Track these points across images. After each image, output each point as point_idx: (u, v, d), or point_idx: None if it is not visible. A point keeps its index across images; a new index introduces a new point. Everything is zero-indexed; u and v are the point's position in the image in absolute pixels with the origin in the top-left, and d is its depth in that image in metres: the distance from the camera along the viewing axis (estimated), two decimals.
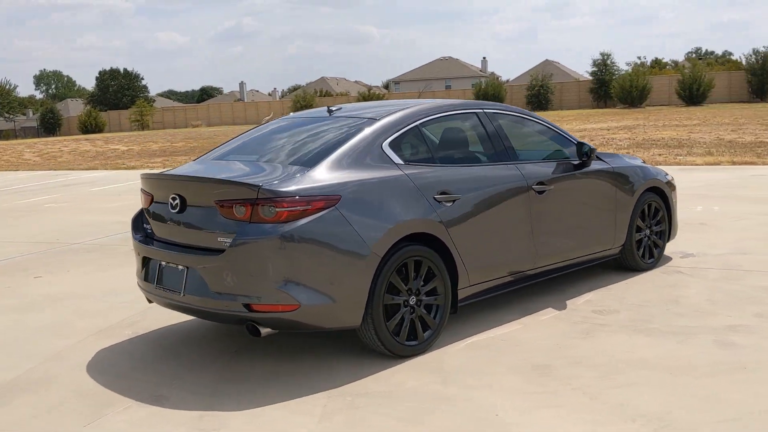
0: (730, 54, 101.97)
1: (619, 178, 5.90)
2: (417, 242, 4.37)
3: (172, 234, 4.43)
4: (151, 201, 4.65)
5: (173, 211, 4.35)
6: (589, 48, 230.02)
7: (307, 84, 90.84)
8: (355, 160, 4.34)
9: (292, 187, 4.01)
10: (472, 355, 4.39)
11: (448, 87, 77.63)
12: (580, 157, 5.55)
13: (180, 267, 4.29)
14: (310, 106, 57.15)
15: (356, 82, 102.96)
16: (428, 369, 4.21)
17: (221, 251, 4.04)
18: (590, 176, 5.63)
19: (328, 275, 4.02)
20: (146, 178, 4.74)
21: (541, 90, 56.37)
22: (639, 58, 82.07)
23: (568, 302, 5.38)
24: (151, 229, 4.68)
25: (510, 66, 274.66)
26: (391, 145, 4.53)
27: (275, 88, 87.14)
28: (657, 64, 76.82)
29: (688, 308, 5.09)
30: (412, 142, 4.70)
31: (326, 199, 4.04)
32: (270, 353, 4.59)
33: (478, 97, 55.96)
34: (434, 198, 4.47)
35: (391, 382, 4.04)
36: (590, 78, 57.65)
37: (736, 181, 11.43)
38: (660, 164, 14.47)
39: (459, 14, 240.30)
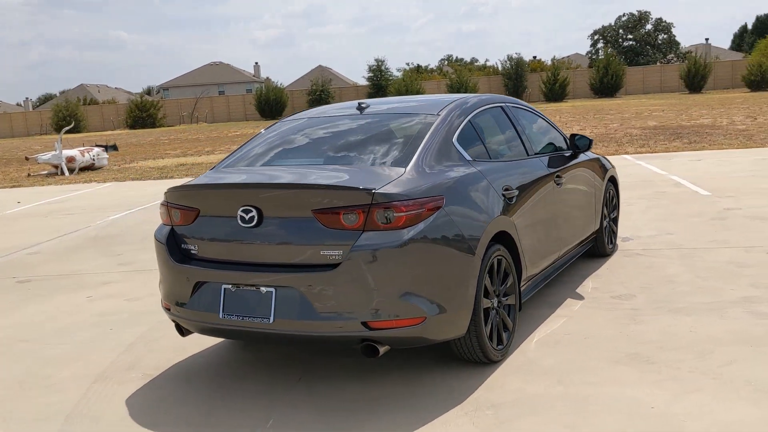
0: (476, 60, 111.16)
1: (596, 167, 6.20)
2: (497, 241, 4.21)
3: (244, 252, 3.82)
4: (196, 216, 3.98)
5: (246, 225, 3.75)
6: (350, 54, 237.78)
7: (63, 92, 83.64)
8: (440, 157, 4.07)
9: (406, 190, 3.65)
10: (556, 353, 4.31)
11: (221, 92, 75.96)
12: (573, 149, 5.74)
13: (264, 290, 3.71)
14: (75, 115, 52.71)
15: (117, 89, 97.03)
16: (529, 371, 4.06)
17: (331, 266, 3.56)
18: (580, 166, 5.84)
19: (446, 282, 3.72)
20: (187, 189, 4.05)
21: (322, 95, 57.25)
22: (408, 64, 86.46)
23: (579, 291, 5.51)
24: (196, 249, 4.00)
25: (278, 71, 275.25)
26: (459, 140, 4.32)
27: (27, 98, 78.93)
28: (422, 69, 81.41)
29: (690, 286, 5.44)
30: (470, 136, 4.51)
31: (435, 200, 3.74)
32: (340, 377, 4.14)
33: (260, 103, 55.53)
34: (502, 194, 4.33)
35: (509, 390, 3.84)
36: (368, 83, 59.59)
37: None
38: None
39: (215, 19, 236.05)
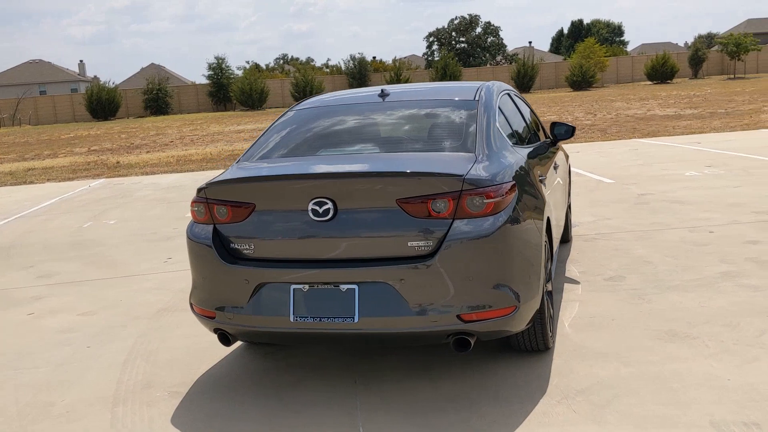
0: (312, 60, 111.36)
1: (565, 154, 6.37)
2: None
3: (317, 248, 3.50)
4: (251, 211, 3.60)
5: (320, 218, 3.45)
6: (179, 52, 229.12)
7: None
8: (495, 143, 3.96)
9: (489, 176, 3.51)
10: (597, 336, 4.34)
11: (43, 92, 70.42)
12: (553, 137, 5.83)
13: (345, 287, 3.42)
14: None
15: None
16: (585, 355, 4.06)
17: (423, 257, 3.36)
18: (560, 152, 5.98)
19: (527, 269, 3.63)
20: (240, 183, 3.68)
21: (160, 94, 54.69)
22: (247, 62, 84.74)
23: (569, 276, 5.63)
24: (252, 247, 3.61)
25: (105, 70, 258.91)
26: (500, 125, 4.24)
27: None
28: (260, 68, 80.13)
29: (667, 266, 5.72)
30: (503, 122, 4.43)
31: (511, 186, 3.63)
32: (398, 377, 3.93)
33: (91, 103, 52.01)
34: (539, 179, 4.32)
35: (582, 375, 3.81)
36: (208, 82, 57.69)
37: None
38: None
39: (21, 14, 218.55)
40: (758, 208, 7.59)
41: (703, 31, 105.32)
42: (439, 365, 4.05)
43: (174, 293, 5.93)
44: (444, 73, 56.71)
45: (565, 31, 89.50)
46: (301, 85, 54.44)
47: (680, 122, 19.30)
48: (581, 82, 53.40)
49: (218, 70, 57.53)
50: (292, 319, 3.47)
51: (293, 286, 3.49)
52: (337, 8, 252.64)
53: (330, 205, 3.44)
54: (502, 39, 79.50)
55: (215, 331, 3.78)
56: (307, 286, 3.48)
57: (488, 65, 72.23)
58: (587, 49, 56.31)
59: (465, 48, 76.79)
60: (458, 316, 3.38)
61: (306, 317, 3.45)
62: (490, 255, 3.42)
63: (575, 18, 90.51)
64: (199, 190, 3.78)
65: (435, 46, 78.43)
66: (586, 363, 3.96)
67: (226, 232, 3.66)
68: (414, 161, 3.75)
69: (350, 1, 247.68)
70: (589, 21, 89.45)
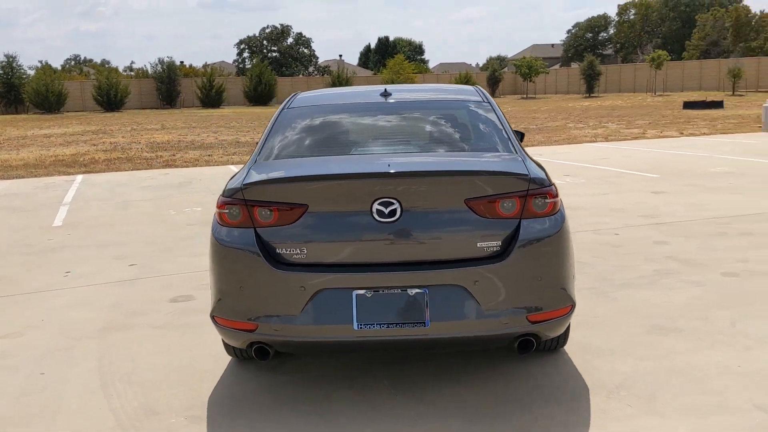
0: (108, 62, 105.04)
1: None
2: None
3: (381, 251, 3.28)
4: (302, 213, 3.30)
5: (385, 219, 3.25)
6: None
7: None
8: (519, 144, 3.98)
9: (545, 176, 3.51)
10: (591, 334, 4.47)
11: None
12: None
13: (413, 291, 3.24)
14: None
15: None
16: (597, 353, 4.18)
17: (493, 258, 3.28)
18: None
19: (573, 268, 3.66)
20: (290, 183, 3.35)
21: None
22: (40, 62, 77.69)
23: None
24: (303, 252, 3.31)
25: None
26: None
27: None
28: (54, 69, 74.03)
29: (605, 265, 6.06)
30: None
31: (556, 187, 3.66)
32: (435, 382, 3.80)
33: None
34: None
35: (608, 371, 3.90)
36: None
37: None
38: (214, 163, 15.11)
39: None
40: (642, 213, 8.30)
41: (494, 54, 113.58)
42: (462, 371, 3.97)
43: (107, 310, 5.29)
44: (259, 81, 56.09)
45: (373, 46, 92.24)
46: (104, 88, 51.18)
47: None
48: None
49: (8, 70, 52.42)
50: (355, 327, 3.23)
51: (356, 292, 3.25)
52: (129, 9, 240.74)
53: (396, 205, 3.26)
54: (314, 51, 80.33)
55: (251, 345, 3.42)
56: (371, 292, 3.25)
57: (301, 75, 72.52)
58: (397, 65, 58.41)
59: (278, 57, 76.52)
60: (527, 318, 3.34)
61: (371, 324, 3.23)
62: (555, 255, 3.43)
63: (382, 35, 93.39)
64: (233, 190, 3.41)
65: (246, 54, 77.34)
66: (603, 360, 4.08)
67: (271, 236, 3.33)
68: (475, 161, 3.66)
69: (143, 2, 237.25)
70: (393, 38, 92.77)
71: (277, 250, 3.33)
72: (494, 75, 65.57)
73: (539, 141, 18.53)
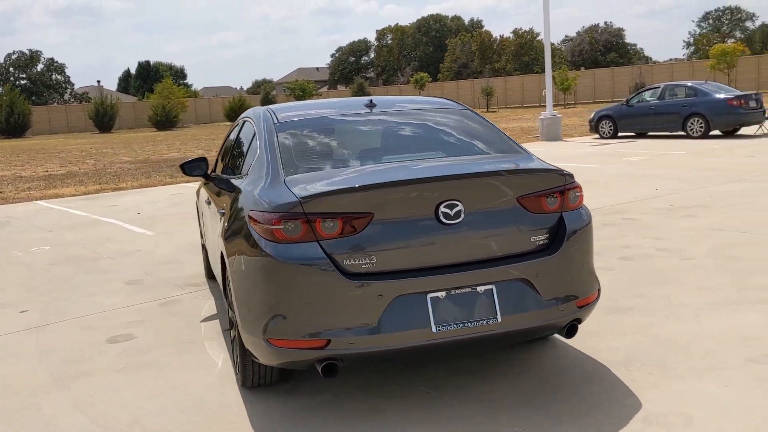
0: None
1: None
2: None
3: (448, 252, 3.33)
4: (368, 221, 3.23)
5: (451, 221, 3.31)
6: None
7: None
8: None
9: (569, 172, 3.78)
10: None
11: None
12: None
13: (482, 288, 3.32)
14: None
15: None
16: (591, 333, 4.53)
17: (550, 250, 3.48)
18: None
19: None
20: (355, 192, 3.27)
21: None
22: None
23: None
24: (373, 260, 3.24)
25: None
26: None
27: None
28: None
29: None
30: None
31: None
32: (477, 382, 3.89)
33: None
34: None
35: (618, 348, 4.26)
36: None
37: None
38: (13, 200, 13.93)
39: None
40: None
41: (260, 77, 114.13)
42: (480, 368, 4.09)
43: (38, 360, 4.64)
44: (11, 111, 51.01)
45: (133, 71, 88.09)
46: None
47: None
48: (165, 122, 53.27)
49: None
50: (434, 330, 3.24)
51: (430, 295, 3.27)
52: None
53: (460, 206, 3.33)
54: (69, 77, 74.76)
55: (319, 363, 3.27)
56: (443, 293, 3.29)
57: (56, 103, 67.07)
58: (166, 89, 56.43)
59: (27, 85, 70.09)
60: (576, 304, 3.58)
61: (449, 325, 3.26)
62: (589, 243, 3.71)
63: (143, 59, 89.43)
64: (289, 204, 3.26)
65: None
66: (595, 341, 4.41)
67: (335, 248, 3.23)
68: (514, 161, 3.81)
69: None
70: (153, 63, 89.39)
71: (345, 261, 3.24)
72: (268, 98, 65.88)
73: None
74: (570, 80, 47.28)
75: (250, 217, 3.48)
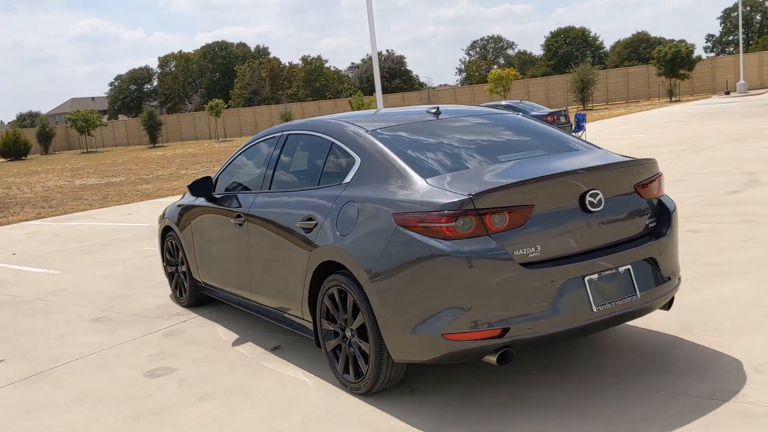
0: None
1: None
2: None
3: (593, 237, 3.64)
4: (530, 213, 3.43)
5: (594, 209, 3.60)
6: None
7: None
8: None
9: None
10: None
11: None
12: None
13: (622, 268, 3.63)
14: None
15: None
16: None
17: (663, 232, 3.90)
18: None
19: None
20: (519, 187, 3.46)
21: None
22: None
23: None
24: (537, 249, 3.42)
25: None
26: None
27: None
28: None
29: None
30: None
31: None
32: (508, 379, 4.14)
33: None
34: None
35: (668, 320, 4.72)
36: None
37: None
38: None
39: None
40: None
41: (25, 110, 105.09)
42: (582, 353, 4.38)
43: (89, 405, 4.16)
44: None
45: None
46: None
47: (141, 186, 19.65)
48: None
49: None
50: (594, 309, 3.49)
51: (587, 277, 3.51)
52: None
53: (601, 195, 3.62)
54: None
55: (495, 351, 3.37)
56: (596, 275, 3.54)
57: None
58: None
59: None
60: (678, 278, 4.01)
61: (605, 303, 3.52)
62: (677, 225, 4.15)
63: None
64: (460, 202, 3.35)
65: None
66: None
67: (504, 239, 3.38)
68: (611, 155, 4.13)
69: None
70: None
71: (515, 252, 3.39)
72: (45, 131, 61.02)
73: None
74: (366, 105, 49.22)
75: (404, 219, 3.49)
